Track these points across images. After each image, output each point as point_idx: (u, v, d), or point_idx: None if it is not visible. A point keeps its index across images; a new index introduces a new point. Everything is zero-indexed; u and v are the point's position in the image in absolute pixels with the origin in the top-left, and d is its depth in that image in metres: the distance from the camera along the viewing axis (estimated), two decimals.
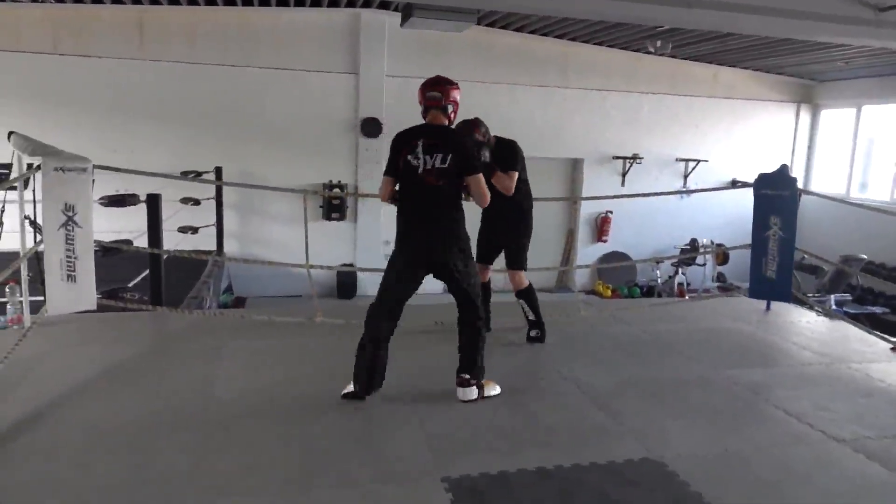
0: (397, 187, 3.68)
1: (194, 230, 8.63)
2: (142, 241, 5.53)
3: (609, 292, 11.10)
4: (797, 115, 12.19)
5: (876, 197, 10.90)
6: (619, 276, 11.40)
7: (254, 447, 3.14)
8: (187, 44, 9.36)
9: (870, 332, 5.47)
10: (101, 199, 5.67)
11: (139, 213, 5.59)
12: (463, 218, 3.65)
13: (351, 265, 10.21)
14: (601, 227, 11.42)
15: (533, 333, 4.87)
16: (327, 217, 10.14)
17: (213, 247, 9.03)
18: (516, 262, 4.73)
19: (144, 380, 3.96)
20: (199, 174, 8.71)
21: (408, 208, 3.64)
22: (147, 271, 5.46)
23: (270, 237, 9.89)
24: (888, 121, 10.88)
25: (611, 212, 11.35)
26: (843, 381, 4.37)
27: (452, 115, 3.67)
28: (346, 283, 10.24)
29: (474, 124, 4.48)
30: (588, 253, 11.47)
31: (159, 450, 3.07)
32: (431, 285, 11.39)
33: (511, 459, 3.07)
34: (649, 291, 11.09)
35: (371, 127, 10.05)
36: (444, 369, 4.24)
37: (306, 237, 5.13)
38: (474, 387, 3.70)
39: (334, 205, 10.11)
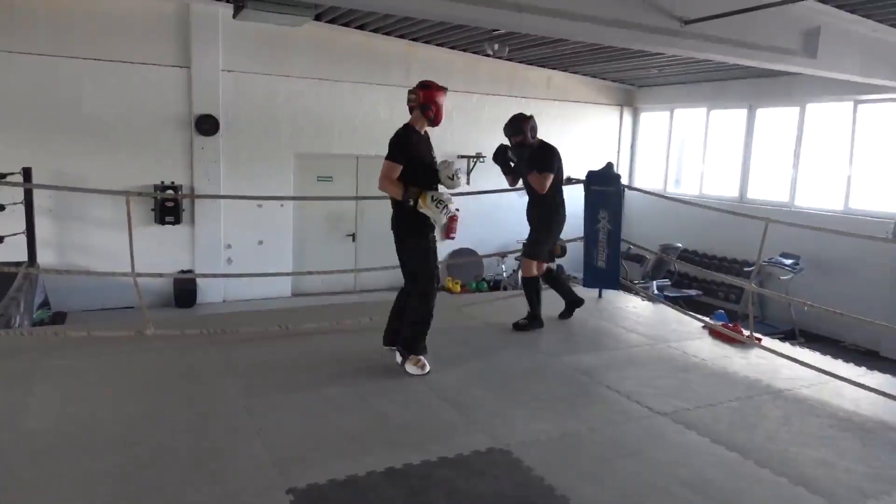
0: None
1: None
2: None
3: (458, 288, 11.36)
4: (621, 117, 13.26)
5: (688, 191, 12.15)
6: (467, 272, 11.71)
7: (71, 481, 2.79)
8: None
9: (685, 313, 6.07)
10: None
11: None
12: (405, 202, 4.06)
13: (190, 272, 9.56)
14: (449, 224, 11.67)
15: (521, 321, 5.23)
16: (160, 221, 9.38)
17: (24, 257, 8.01)
18: (528, 251, 5.31)
19: None
20: (2, 176, 7.68)
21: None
22: None
23: (94, 245, 8.96)
24: (696, 123, 12.17)
25: (458, 209, 11.62)
26: (665, 359, 4.80)
27: (431, 114, 4.15)
28: (184, 290, 9.56)
29: (523, 119, 5.09)
30: (440, 250, 11.67)
31: None
32: (282, 287, 10.78)
33: (360, 462, 3.01)
34: (496, 285, 11.51)
35: (207, 124, 9.45)
36: (286, 375, 4.10)
37: (131, 243, 4.68)
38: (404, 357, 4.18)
39: (168, 207, 9.38)
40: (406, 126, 4.20)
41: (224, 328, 4.87)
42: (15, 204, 7.83)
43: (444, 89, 4.18)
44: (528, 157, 5.16)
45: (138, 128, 9.20)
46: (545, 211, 5.28)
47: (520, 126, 5.12)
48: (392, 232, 4.28)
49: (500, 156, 5.29)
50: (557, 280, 5.76)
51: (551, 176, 5.07)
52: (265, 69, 9.87)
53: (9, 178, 7.72)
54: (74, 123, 8.84)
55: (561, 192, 5.33)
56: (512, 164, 5.31)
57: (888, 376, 4.68)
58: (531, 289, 5.31)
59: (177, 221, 9.47)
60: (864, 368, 4.79)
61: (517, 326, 5.28)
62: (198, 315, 8.54)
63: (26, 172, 8.07)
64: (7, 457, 2.97)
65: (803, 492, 2.98)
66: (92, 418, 3.40)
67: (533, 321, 5.30)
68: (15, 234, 7.83)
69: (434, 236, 4.31)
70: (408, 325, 4.24)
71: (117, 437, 3.21)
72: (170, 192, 9.29)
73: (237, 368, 4.20)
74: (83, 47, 8.72)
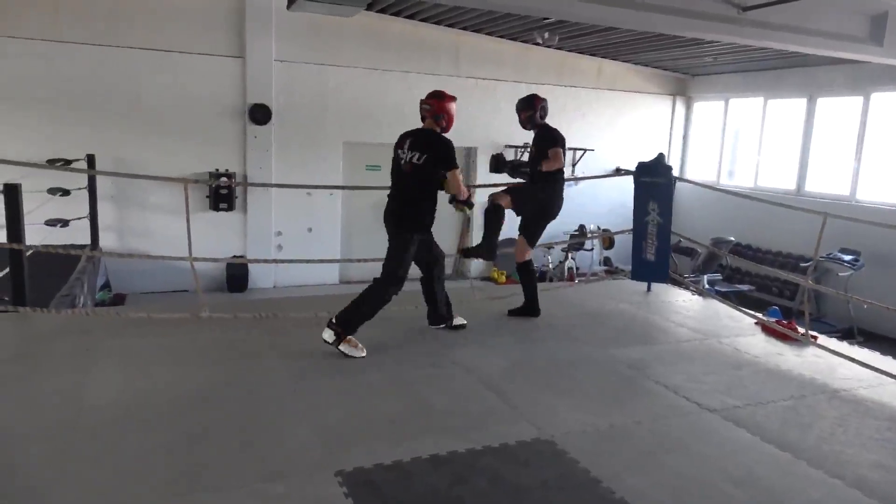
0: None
1: (64, 223, 7.96)
2: (1, 237, 5.02)
3: (504, 278, 11.34)
4: (673, 106, 12.96)
5: (742, 183, 11.81)
6: (513, 262, 11.66)
7: (128, 454, 2.93)
8: (50, 20, 8.57)
9: (737, 309, 5.92)
10: None
11: None
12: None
13: (242, 257, 9.81)
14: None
15: (518, 308, 5.25)
16: (215, 208, 9.66)
17: (87, 241, 8.38)
18: (526, 232, 5.24)
19: (5, 387, 3.60)
20: (67, 162, 8.03)
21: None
22: (7, 269, 4.96)
23: (152, 229, 9.29)
24: (752, 113, 11.79)
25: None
26: (714, 355, 4.70)
27: (444, 123, 4.31)
28: (236, 276, 9.83)
29: (537, 98, 5.16)
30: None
31: (19, 464, 2.80)
32: (329, 274, 11.01)
33: (405, 448, 3.06)
34: (541, 276, 11.43)
35: (260, 113, 9.66)
36: (332, 360, 4.18)
37: (188, 228, 4.84)
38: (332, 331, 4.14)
39: (222, 195, 9.64)
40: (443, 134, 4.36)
41: (275, 312, 4.99)
42: (79, 189, 8.18)
43: (454, 98, 4.37)
44: (534, 141, 5.15)
45: (194, 117, 9.47)
46: (548, 193, 5.14)
47: (532, 102, 5.12)
48: (391, 223, 4.43)
49: (499, 164, 5.34)
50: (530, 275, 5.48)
51: (560, 150, 4.95)
52: (316, 59, 10.01)
53: (74, 165, 8.08)
54: (134, 112, 9.15)
55: (562, 175, 5.20)
56: (512, 167, 5.37)
57: None
58: (526, 274, 5.25)
59: (230, 208, 9.73)
60: None
61: (513, 312, 5.28)
62: (249, 300, 8.78)
63: (90, 159, 8.43)
64: (70, 430, 3.13)
65: (859, 495, 2.89)
66: (148, 396, 3.55)
67: (530, 307, 5.24)
68: (79, 219, 8.19)
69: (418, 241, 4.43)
70: (355, 302, 4.24)
71: (172, 414, 3.35)
72: (224, 179, 9.54)
73: (286, 351, 4.31)
74: (142, 38, 9.00)
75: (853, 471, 3.08)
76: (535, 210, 5.22)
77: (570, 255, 11.54)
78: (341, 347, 4.16)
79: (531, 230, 5.27)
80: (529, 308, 5.30)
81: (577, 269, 11.46)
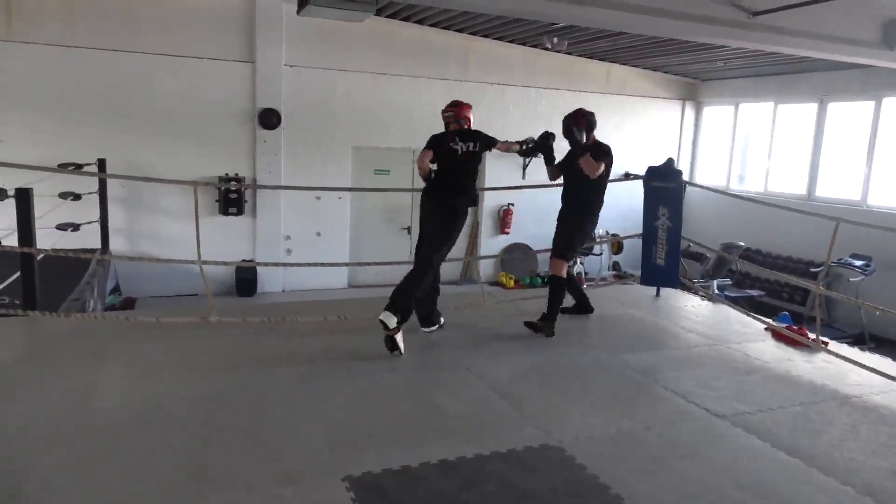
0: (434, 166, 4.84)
1: (75, 227, 8.03)
2: (12, 241, 5.07)
3: (512, 283, 11.34)
4: (682, 111, 12.92)
5: (752, 188, 11.75)
6: (521, 267, 11.67)
7: (138, 456, 2.95)
8: (63, 25, 8.66)
9: (747, 314, 5.88)
10: None
11: (8, 210, 5.11)
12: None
13: (251, 261, 9.86)
14: (503, 219, 11.64)
15: (535, 320, 5.03)
16: (224, 212, 9.71)
17: (98, 244, 8.44)
18: (561, 251, 5.16)
19: (16, 390, 3.63)
20: (78, 166, 8.09)
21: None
22: (18, 273, 5.00)
23: (162, 233, 9.36)
24: (762, 118, 11.74)
25: (512, 204, 11.59)
26: (724, 360, 4.67)
27: (465, 125, 4.88)
28: (245, 279, 9.87)
29: (580, 113, 5.21)
30: (491, 245, 11.65)
31: (31, 465, 2.82)
32: (338, 278, 11.03)
33: (413, 452, 3.05)
34: None
35: (269, 118, 9.71)
36: (342, 364, 4.19)
37: (197, 232, 4.87)
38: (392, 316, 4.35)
39: (231, 199, 9.69)
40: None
41: (283, 316, 5.01)
42: (90, 193, 8.26)
43: (470, 106, 4.97)
44: (583, 147, 5.07)
45: (205, 121, 9.53)
46: (584, 210, 5.12)
47: (576, 120, 5.08)
48: (441, 215, 4.75)
49: (545, 141, 5.19)
50: (572, 280, 5.56)
51: (603, 167, 4.93)
52: (325, 63, 10.06)
53: (85, 169, 8.15)
54: (145, 117, 9.23)
55: (603, 192, 5.17)
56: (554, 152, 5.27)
57: None
58: (558, 289, 5.06)
59: (239, 212, 9.78)
60: None
61: (530, 325, 5.03)
62: (258, 304, 8.81)
63: (101, 163, 8.49)
64: (80, 432, 3.15)
65: (870, 502, 2.86)
66: (157, 399, 3.57)
67: (547, 323, 4.99)
68: (90, 223, 8.26)
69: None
70: (405, 288, 4.58)
71: (182, 416, 3.36)
72: (233, 183, 9.59)
73: (296, 355, 4.32)
74: (153, 42, 9.08)
75: (864, 478, 3.05)
76: (575, 227, 5.18)
77: (578, 259, 11.51)
78: (397, 337, 4.33)
79: (571, 248, 5.21)
80: (550, 323, 5.03)
81: (586, 273, 11.43)
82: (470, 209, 4.96)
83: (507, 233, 11.67)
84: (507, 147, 5.00)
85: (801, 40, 6.67)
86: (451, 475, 2.89)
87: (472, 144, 4.83)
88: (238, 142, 9.79)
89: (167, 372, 3.97)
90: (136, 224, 9.47)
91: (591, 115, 5.18)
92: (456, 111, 4.90)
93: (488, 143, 4.88)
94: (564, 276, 5.11)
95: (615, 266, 11.82)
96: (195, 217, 4.84)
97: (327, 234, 10.43)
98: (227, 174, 9.67)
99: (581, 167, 4.93)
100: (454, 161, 4.80)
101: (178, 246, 8.49)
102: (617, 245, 11.41)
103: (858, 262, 9.09)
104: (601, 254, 11.78)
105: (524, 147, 5.12)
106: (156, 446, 3.04)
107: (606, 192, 5.18)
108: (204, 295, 5.20)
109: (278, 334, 4.73)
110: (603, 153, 4.98)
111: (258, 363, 4.18)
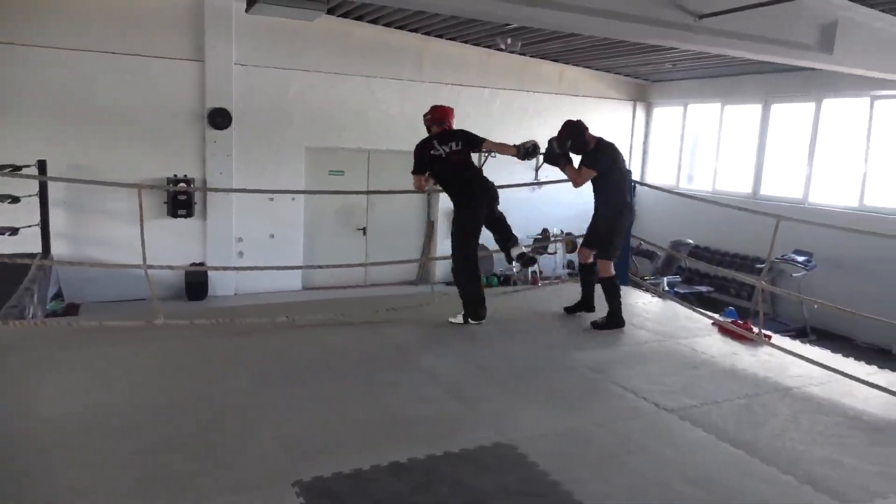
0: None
1: (14, 231, 7.71)
2: None
3: None
4: (633, 112, 13.18)
5: (700, 187, 12.07)
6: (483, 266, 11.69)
7: (83, 468, 2.85)
8: (1, 23, 8.31)
9: (695, 310, 6.03)
10: None
11: None
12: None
13: (201, 265, 9.64)
14: None
15: (599, 320, 5.31)
16: (173, 214, 9.47)
17: (38, 249, 8.11)
18: (602, 251, 5.33)
19: None
20: (16, 168, 7.77)
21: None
22: None
23: (108, 237, 9.05)
24: (710, 119, 12.06)
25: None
26: (673, 356, 4.78)
27: (447, 126, 5.18)
28: (196, 283, 9.64)
29: (565, 127, 5.40)
30: (447, 246, 11.65)
31: None
32: (292, 280, 10.84)
33: (365, 456, 3.02)
34: (506, 280, 11.49)
35: (220, 118, 9.51)
36: (294, 368, 4.13)
37: (142, 235, 4.73)
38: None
39: (180, 200, 9.46)
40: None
41: (232, 318, 4.90)
42: (30, 196, 7.93)
43: (448, 109, 5.28)
44: (563, 158, 5.39)
45: (152, 121, 9.28)
46: (611, 209, 5.35)
47: (571, 131, 5.33)
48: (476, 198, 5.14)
49: (562, 148, 5.40)
50: (591, 275, 5.68)
51: (591, 172, 5.24)
52: (277, 63, 9.91)
53: (24, 171, 7.83)
54: (90, 117, 8.93)
55: (622, 189, 5.45)
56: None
57: None
58: (611, 288, 5.30)
59: (189, 214, 9.55)
60: (874, 367, 4.74)
61: (595, 325, 5.27)
62: (208, 307, 8.62)
63: (41, 165, 8.17)
64: (24, 443, 3.03)
65: (810, 490, 2.96)
66: (104, 407, 3.45)
67: (612, 320, 5.26)
68: (30, 226, 7.94)
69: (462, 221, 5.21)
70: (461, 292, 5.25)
71: (128, 425, 3.26)
72: (182, 185, 9.36)
73: (245, 359, 4.24)
74: (98, 41, 8.80)
75: (804, 467, 3.15)
76: (601, 228, 5.38)
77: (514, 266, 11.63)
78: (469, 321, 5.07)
79: (611, 247, 5.34)
80: (615, 319, 5.29)
81: (541, 272, 11.54)
82: (426, 209, 5.22)
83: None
84: (500, 148, 5.12)
85: (745, 43, 6.86)
86: (403, 477, 2.88)
87: (454, 144, 5.04)
88: (187, 142, 9.56)
89: (112, 379, 3.85)
90: (80, 227, 9.15)
91: (572, 126, 5.36)
92: (433, 114, 5.18)
93: (472, 141, 5.09)
94: (613, 273, 5.33)
95: (570, 265, 11.98)
96: (140, 220, 4.69)
97: (281, 236, 10.27)
98: (175, 175, 9.43)
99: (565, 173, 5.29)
100: (448, 164, 5.00)
101: (125, 250, 8.24)
102: (571, 244, 11.56)
103: (801, 258, 9.43)
104: (555, 253, 11.92)
105: (524, 149, 5.14)
106: (101, 457, 2.94)
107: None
108: (150, 299, 5.06)
109: (228, 338, 4.63)
110: (591, 159, 5.26)
111: (207, 368, 4.09)
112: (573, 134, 5.31)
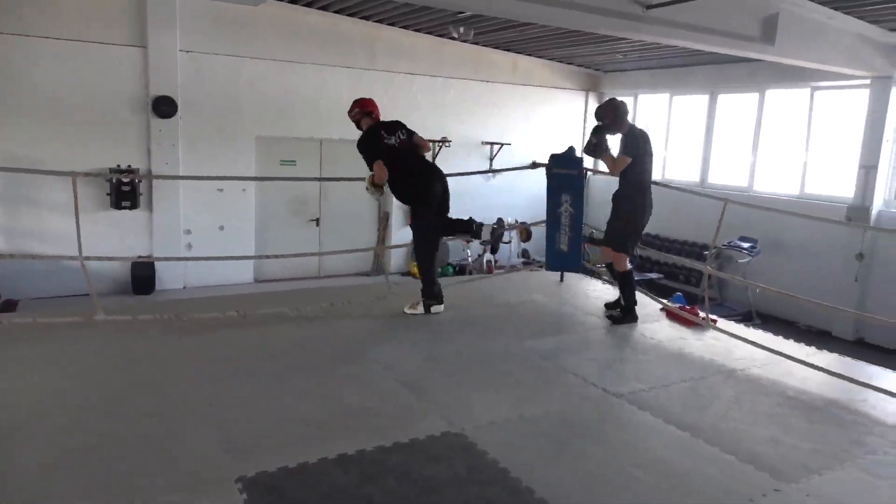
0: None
1: None
2: None
3: None
4: (586, 102, 13.29)
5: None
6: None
7: (18, 469, 2.72)
8: None
9: (646, 295, 6.13)
10: None
11: None
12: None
13: (147, 257, 9.34)
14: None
15: (615, 313, 5.25)
16: (117, 206, 9.12)
17: None
18: (618, 246, 5.28)
19: None
20: None
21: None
22: None
23: (47, 230, 8.67)
24: (659, 109, 12.27)
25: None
26: (623, 341, 4.86)
27: (376, 116, 5.24)
28: (141, 277, 9.34)
29: (610, 105, 5.42)
30: (402, 235, 11.59)
31: None
32: (244, 272, 10.54)
33: (314, 449, 2.97)
34: (461, 270, 11.51)
35: (164, 106, 9.19)
36: (243, 362, 4.04)
37: (78, 226, 4.53)
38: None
39: (124, 192, 9.12)
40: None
41: (178, 313, 4.76)
42: None
43: (370, 99, 5.31)
44: (600, 147, 5.42)
45: (94, 109, 8.92)
46: (626, 201, 5.33)
47: (605, 111, 5.36)
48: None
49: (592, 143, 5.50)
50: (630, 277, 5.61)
51: (626, 160, 5.23)
52: (225, 50, 9.64)
53: None
54: (27, 104, 8.54)
55: (649, 180, 5.43)
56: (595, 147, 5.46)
57: (836, 356, 4.82)
58: (627, 282, 5.28)
59: (134, 206, 9.23)
60: (813, 348, 4.91)
61: (612, 319, 5.25)
62: (154, 301, 8.37)
63: None
64: None
65: (751, 469, 3.04)
66: (40, 406, 3.31)
67: (628, 314, 5.25)
68: None
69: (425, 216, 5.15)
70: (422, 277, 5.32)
71: (65, 424, 3.13)
72: (125, 174, 9.03)
73: (191, 354, 4.13)
74: (36, 25, 8.40)
75: (746, 446, 3.24)
76: (619, 221, 5.36)
77: (488, 247, 11.67)
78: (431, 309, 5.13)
79: (627, 241, 5.32)
80: (630, 313, 5.27)
81: (496, 261, 11.59)
82: (379, 200, 5.23)
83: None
84: (424, 144, 5.23)
85: (691, 34, 6.99)
86: (351, 470, 2.84)
87: (400, 133, 5.07)
88: (131, 131, 9.22)
89: (50, 377, 3.69)
90: (17, 220, 8.75)
91: (617, 104, 5.40)
92: (361, 106, 5.19)
93: (411, 132, 5.13)
94: (628, 268, 5.30)
95: (524, 254, 12.06)
96: (75, 209, 4.50)
97: (231, 228, 10.03)
98: (118, 166, 9.10)
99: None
100: (402, 153, 4.98)
101: (65, 243, 7.82)
102: (525, 233, 11.64)
103: (746, 245, 9.70)
104: (510, 242, 11.98)
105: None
106: (38, 458, 2.82)
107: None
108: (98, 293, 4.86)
109: (173, 333, 4.49)
110: (624, 145, 5.27)
111: (149, 365, 3.95)
112: (618, 112, 5.29)
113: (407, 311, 5.17)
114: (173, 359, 4.06)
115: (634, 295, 5.35)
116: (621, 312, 5.31)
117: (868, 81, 8.79)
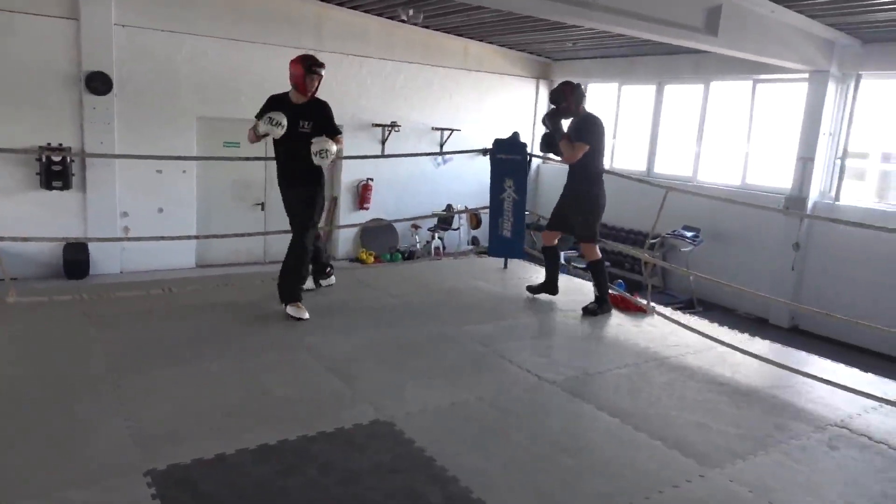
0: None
1: None
2: None
3: (372, 259, 11.20)
4: (537, 89, 13.30)
5: None
6: (381, 243, 11.55)
7: None
8: None
9: (588, 282, 6.15)
10: None
11: None
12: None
13: (74, 238, 8.92)
14: (362, 194, 11.43)
15: (590, 306, 5.07)
16: (47, 186, 8.67)
17: None
18: (584, 234, 5.17)
19: None
20: None
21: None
22: None
23: None
24: (608, 98, 12.35)
25: (371, 179, 11.41)
26: (561, 328, 4.85)
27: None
28: (75, 260, 8.91)
29: (567, 87, 5.12)
30: (350, 220, 11.41)
31: None
32: (185, 257, 10.21)
33: (233, 440, 2.85)
34: (410, 256, 11.42)
35: (98, 82, 8.76)
36: (164, 350, 3.87)
37: None
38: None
39: (55, 171, 8.68)
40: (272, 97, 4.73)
41: (99, 295, 4.53)
42: None
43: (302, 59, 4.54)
44: (570, 126, 5.14)
45: (20, 84, 8.43)
46: (590, 188, 5.14)
47: (562, 94, 5.10)
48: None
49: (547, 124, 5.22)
50: (555, 258, 5.61)
51: (584, 147, 4.98)
52: (165, 25, 9.24)
53: None
54: None
55: (602, 167, 5.24)
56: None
57: (769, 342, 4.91)
58: (598, 272, 5.19)
59: (66, 187, 8.79)
60: (747, 335, 5.00)
61: (587, 311, 5.11)
62: (74, 284, 8.01)
63: None
64: None
65: (677, 455, 3.05)
66: None
67: (603, 304, 5.14)
68: None
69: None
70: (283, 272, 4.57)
71: None
72: (54, 152, 8.59)
73: (109, 340, 3.93)
74: None
75: (674, 432, 3.25)
76: (586, 208, 5.17)
77: (437, 234, 11.60)
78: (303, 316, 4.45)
79: (592, 228, 5.19)
80: (605, 304, 5.17)
81: (445, 248, 11.54)
82: (328, 183, 4.94)
83: (367, 208, 11.48)
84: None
85: (638, 22, 7.00)
86: (270, 461, 2.73)
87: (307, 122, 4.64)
88: (62, 109, 8.76)
89: None
90: None
91: (574, 87, 5.13)
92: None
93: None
94: (599, 256, 5.23)
95: (474, 241, 12.04)
96: None
97: (171, 211, 9.67)
98: (49, 144, 8.65)
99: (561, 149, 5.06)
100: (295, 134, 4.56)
101: None
102: (475, 219, 11.61)
103: (689, 234, 9.88)
104: (459, 228, 11.94)
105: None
106: None
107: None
108: (23, 279, 4.58)
109: (90, 316, 4.26)
110: (582, 131, 5.03)
111: (60, 350, 3.74)
112: (576, 93, 5.09)
113: (322, 283, 5.15)
114: (86, 344, 3.85)
115: (607, 284, 5.28)
116: (596, 304, 5.17)
117: (807, 75, 9.00)
